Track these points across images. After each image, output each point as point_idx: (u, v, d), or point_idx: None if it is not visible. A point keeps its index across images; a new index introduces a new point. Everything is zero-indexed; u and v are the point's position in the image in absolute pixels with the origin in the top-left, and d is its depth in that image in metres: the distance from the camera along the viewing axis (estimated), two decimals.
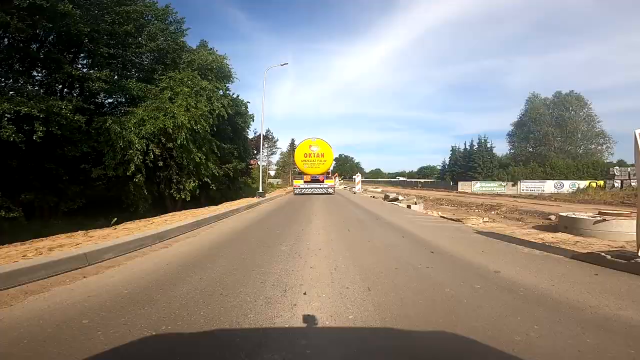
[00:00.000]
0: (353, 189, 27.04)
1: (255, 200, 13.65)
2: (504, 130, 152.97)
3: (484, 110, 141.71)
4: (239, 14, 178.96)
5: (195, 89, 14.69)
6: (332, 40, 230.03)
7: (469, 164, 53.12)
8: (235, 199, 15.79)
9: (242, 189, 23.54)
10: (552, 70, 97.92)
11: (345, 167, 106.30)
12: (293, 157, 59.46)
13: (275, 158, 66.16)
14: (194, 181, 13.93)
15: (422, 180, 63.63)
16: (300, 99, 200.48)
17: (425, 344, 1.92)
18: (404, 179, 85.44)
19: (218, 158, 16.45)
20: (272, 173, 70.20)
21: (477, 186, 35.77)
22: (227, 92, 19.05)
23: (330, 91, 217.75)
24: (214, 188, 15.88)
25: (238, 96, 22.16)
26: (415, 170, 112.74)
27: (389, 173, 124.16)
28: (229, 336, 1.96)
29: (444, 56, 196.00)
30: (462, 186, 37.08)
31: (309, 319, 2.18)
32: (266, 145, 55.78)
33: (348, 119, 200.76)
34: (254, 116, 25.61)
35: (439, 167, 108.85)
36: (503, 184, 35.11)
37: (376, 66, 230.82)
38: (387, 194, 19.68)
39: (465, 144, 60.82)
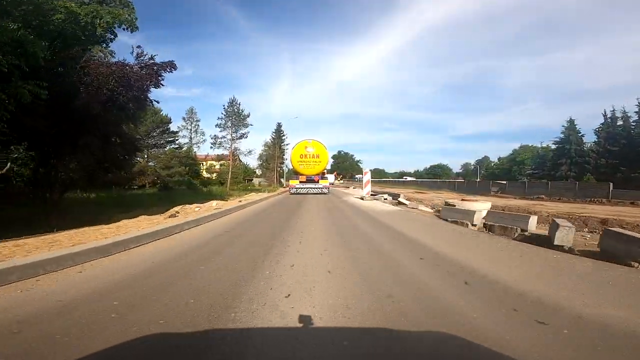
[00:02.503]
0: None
1: None
2: (504, 130, 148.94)
3: (483, 110, 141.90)
4: (236, 12, 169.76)
5: None
6: (332, 40, 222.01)
7: None
8: None
9: None
10: (550, 71, 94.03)
11: (344, 165, 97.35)
12: (278, 149, 49.39)
13: (248, 144, 45.39)
14: None
15: (500, 182, 34.24)
16: (300, 98, 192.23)
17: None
18: (413, 178, 73.08)
19: None
20: (258, 172, 57.38)
21: None
22: None
23: (329, 91, 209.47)
24: None
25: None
26: (422, 169, 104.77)
27: (391, 173, 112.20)
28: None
29: (444, 56, 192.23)
30: None
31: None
32: (229, 124, 35.33)
33: (347, 118, 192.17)
34: (135, 20, 10.09)
35: (450, 167, 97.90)
36: None
37: (376, 66, 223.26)
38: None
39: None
